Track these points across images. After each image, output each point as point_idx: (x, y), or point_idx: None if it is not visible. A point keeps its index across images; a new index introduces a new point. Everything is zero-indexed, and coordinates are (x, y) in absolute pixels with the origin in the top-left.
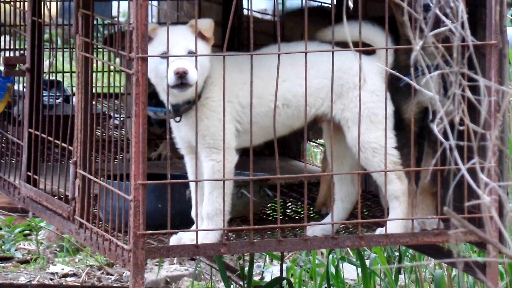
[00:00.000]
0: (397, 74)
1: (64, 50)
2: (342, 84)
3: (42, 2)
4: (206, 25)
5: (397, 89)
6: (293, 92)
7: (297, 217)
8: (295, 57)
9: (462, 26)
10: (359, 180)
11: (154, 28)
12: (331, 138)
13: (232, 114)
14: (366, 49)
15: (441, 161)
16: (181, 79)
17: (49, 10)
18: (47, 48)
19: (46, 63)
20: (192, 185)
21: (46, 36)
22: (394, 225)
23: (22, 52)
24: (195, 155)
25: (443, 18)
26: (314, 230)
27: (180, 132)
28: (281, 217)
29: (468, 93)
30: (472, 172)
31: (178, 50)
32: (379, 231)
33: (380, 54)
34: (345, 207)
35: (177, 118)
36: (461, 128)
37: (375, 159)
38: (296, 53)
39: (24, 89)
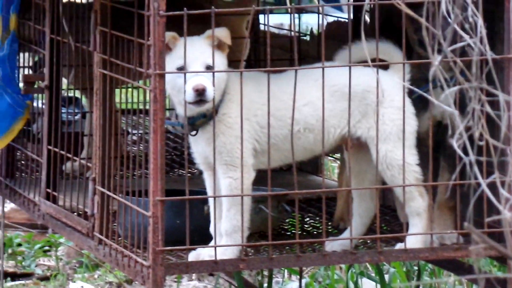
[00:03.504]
0: (413, 88)
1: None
2: (367, 104)
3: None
4: (223, 34)
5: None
6: (315, 116)
7: (315, 232)
8: (317, 80)
9: (481, 41)
10: (377, 195)
11: (174, 38)
12: (349, 155)
13: (250, 132)
14: (383, 64)
15: (459, 175)
16: (200, 96)
17: (68, 27)
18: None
19: (64, 80)
20: (210, 201)
21: None
22: (414, 240)
23: (41, 69)
24: (213, 171)
25: (461, 33)
26: (332, 245)
27: (198, 147)
28: (299, 233)
29: (487, 108)
30: (492, 187)
31: (196, 65)
32: (399, 246)
33: (396, 68)
34: (363, 222)
35: (193, 132)
36: (481, 143)
37: (401, 176)
38: (313, 68)
39: (43, 106)
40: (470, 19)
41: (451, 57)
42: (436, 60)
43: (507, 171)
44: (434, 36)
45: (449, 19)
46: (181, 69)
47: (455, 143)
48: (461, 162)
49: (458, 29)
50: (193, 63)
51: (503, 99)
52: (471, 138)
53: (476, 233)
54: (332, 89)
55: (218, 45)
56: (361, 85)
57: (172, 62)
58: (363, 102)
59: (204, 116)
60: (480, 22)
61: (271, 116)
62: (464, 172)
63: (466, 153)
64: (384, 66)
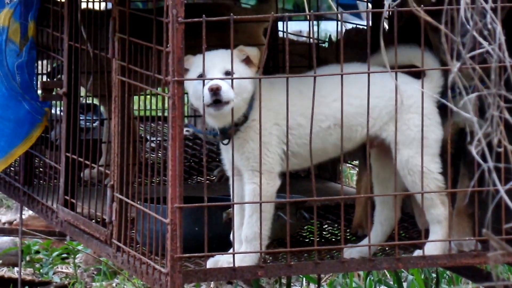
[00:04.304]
0: (434, 95)
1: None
2: (395, 105)
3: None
4: (254, 52)
5: None
6: (344, 112)
7: (333, 239)
8: (347, 77)
9: (500, 48)
10: (395, 201)
11: (187, 59)
12: (368, 158)
13: (280, 137)
14: (402, 70)
15: (478, 182)
16: (215, 96)
17: (87, 34)
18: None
19: (82, 87)
20: (235, 208)
21: None
22: (432, 247)
23: (59, 76)
24: (235, 177)
25: (480, 40)
26: (351, 252)
27: (228, 154)
28: (317, 239)
29: (506, 115)
30: (510, 193)
31: (215, 72)
32: (417, 253)
33: (431, 77)
34: (384, 230)
35: (225, 141)
36: (499, 149)
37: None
38: (332, 75)
39: (61, 113)
40: (489, 26)
41: (470, 64)
42: (455, 66)
43: None
44: (454, 43)
45: (468, 26)
46: (201, 77)
47: (473, 150)
48: (480, 168)
49: (477, 36)
50: (211, 71)
51: None
52: (490, 145)
53: (494, 239)
54: (361, 85)
55: (248, 62)
56: (390, 86)
57: (192, 76)
58: (391, 103)
59: (236, 125)
60: (499, 29)
61: (301, 116)
62: (483, 179)
63: (484, 159)
64: (416, 74)
